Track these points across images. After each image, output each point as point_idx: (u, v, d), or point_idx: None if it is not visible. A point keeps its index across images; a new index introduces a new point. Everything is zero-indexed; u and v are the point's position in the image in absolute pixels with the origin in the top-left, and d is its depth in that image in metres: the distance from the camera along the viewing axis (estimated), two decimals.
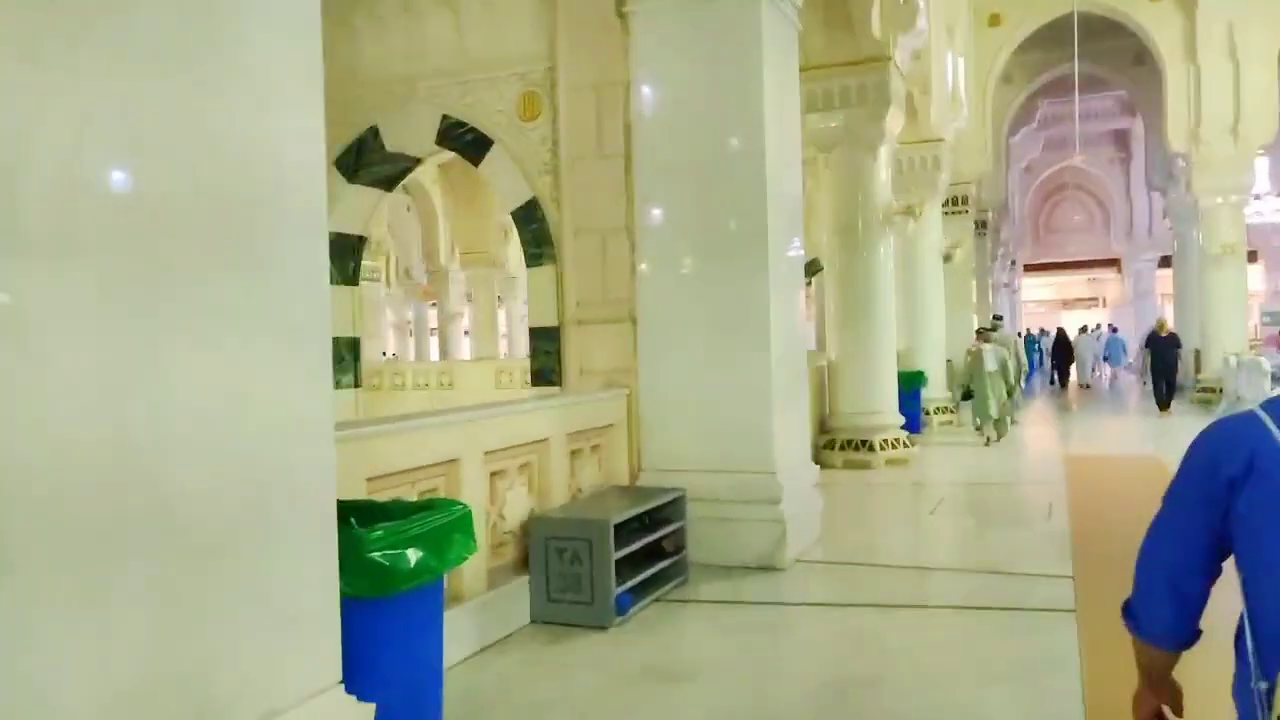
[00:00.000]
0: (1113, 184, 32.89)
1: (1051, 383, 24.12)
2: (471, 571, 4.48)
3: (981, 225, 21.19)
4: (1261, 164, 18.15)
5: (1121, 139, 30.97)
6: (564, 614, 4.84)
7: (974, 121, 17.14)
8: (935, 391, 14.43)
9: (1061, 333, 25.14)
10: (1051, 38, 17.68)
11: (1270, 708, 1.29)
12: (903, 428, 10.88)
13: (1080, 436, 14.40)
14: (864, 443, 10.33)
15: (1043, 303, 37.23)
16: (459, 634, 4.31)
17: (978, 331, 15.03)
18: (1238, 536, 1.40)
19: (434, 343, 25.27)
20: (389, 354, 25.72)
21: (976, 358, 12.82)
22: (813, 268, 12.79)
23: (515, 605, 4.80)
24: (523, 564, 4.95)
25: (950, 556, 6.35)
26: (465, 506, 3.18)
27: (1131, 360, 24.29)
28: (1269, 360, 14.21)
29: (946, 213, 16.51)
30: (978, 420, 12.83)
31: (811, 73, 10.60)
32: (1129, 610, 1.58)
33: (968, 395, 13.12)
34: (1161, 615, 1.53)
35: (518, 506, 5.00)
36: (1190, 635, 1.55)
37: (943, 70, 13.95)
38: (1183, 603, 1.51)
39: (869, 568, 5.99)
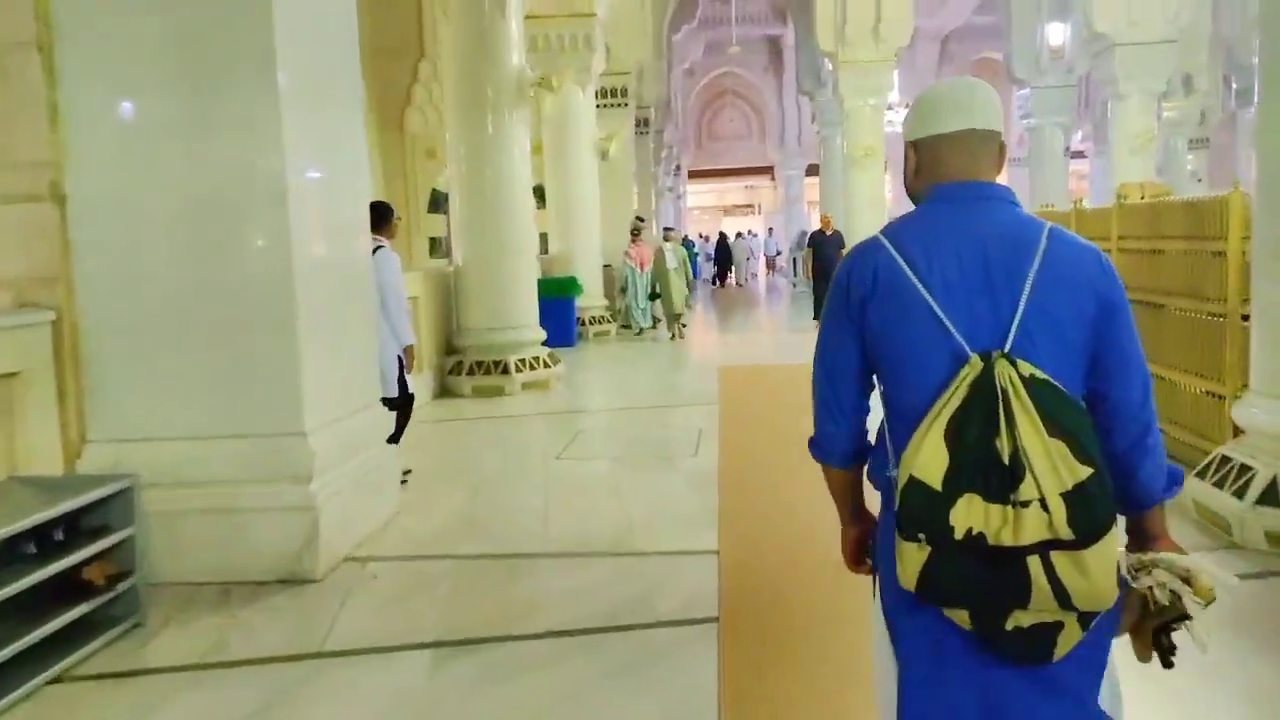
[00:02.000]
0: (767, 91, 33.76)
1: (713, 284, 24.62)
2: None
3: (644, 124, 20.21)
4: (896, 75, 18.58)
5: (775, 46, 31.63)
6: None
7: (632, 5, 15.67)
8: (592, 301, 13.12)
9: (723, 237, 26.12)
10: None
11: (898, 490, 1.40)
12: (548, 343, 9.28)
13: (737, 342, 13.85)
14: (498, 364, 8.59)
15: (706, 209, 38.13)
16: None
17: (632, 233, 13.92)
18: (873, 344, 1.51)
19: None
20: None
21: (659, 257, 13.17)
22: None
23: None
24: None
25: (570, 528, 4.66)
26: None
27: (784, 263, 25.41)
28: None
29: (603, 105, 15.09)
30: (650, 319, 13.45)
31: None
32: (813, 443, 1.66)
33: (655, 295, 13.45)
34: (834, 433, 1.61)
35: None
36: (859, 447, 1.62)
37: None
38: (842, 413, 1.59)
39: (452, 561, 4.16)
